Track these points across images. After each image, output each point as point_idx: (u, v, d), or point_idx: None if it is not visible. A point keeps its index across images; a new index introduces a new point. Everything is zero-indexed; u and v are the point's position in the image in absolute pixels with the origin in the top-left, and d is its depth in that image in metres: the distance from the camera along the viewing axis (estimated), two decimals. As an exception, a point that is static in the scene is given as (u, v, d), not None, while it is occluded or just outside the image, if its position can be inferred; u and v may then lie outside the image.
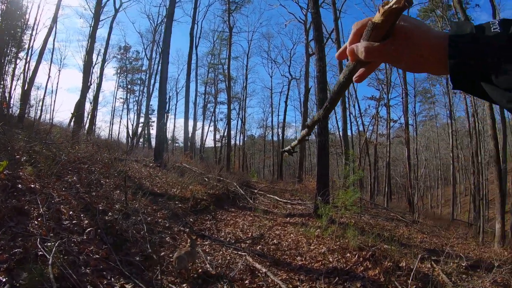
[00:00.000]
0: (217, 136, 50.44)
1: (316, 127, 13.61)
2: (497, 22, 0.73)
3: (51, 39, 26.57)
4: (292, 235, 9.53)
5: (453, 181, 34.15)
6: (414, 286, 6.72)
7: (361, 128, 34.94)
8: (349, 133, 34.98)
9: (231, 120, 40.65)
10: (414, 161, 38.63)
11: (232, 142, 46.55)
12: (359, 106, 34.24)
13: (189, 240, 6.04)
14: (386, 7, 0.74)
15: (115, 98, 51.55)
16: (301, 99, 42.08)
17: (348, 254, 7.92)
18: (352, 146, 33.00)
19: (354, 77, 0.99)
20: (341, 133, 26.69)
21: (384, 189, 32.20)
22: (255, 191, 16.73)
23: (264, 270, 6.36)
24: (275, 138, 53.38)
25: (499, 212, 13.55)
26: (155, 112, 33.69)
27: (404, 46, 0.79)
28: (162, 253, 6.34)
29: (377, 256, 7.73)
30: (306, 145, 38.28)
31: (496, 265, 8.51)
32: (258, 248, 7.98)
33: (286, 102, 41.63)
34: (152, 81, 38.51)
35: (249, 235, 9.05)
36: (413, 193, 28.52)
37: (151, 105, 43.20)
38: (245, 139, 55.12)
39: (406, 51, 0.79)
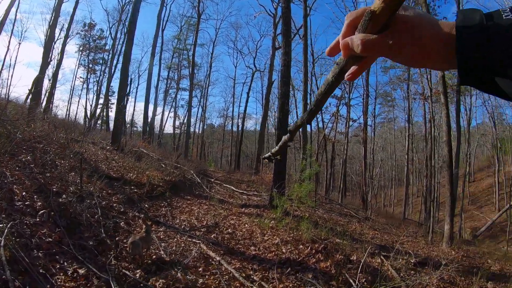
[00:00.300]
0: (177, 123, 49.94)
1: (275, 119, 13.76)
2: (508, 9, 0.67)
3: (13, 9, 25.82)
4: (246, 225, 9.61)
5: (407, 182, 35.07)
6: (364, 279, 6.91)
7: (320, 125, 35.40)
8: (308, 128, 35.34)
9: (192, 108, 40.36)
10: (370, 161, 39.45)
11: (192, 129, 46.40)
12: (319, 103, 34.50)
13: (144, 226, 6.03)
14: None
15: (75, 76, 49.39)
16: (263, 91, 42.33)
17: (301, 246, 8.06)
18: (310, 142, 33.27)
19: (346, 75, 0.93)
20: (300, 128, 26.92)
21: (339, 185, 32.70)
22: (212, 180, 16.74)
23: (218, 258, 6.42)
24: (234, 129, 53.22)
25: (448, 214, 14.00)
26: (115, 94, 32.83)
27: (405, 38, 0.73)
28: (116, 238, 6.30)
29: (329, 249, 7.91)
30: (265, 138, 38.37)
31: (444, 263, 8.86)
32: (212, 236, 8.03)
33: (248, 93, 41.63)
34: (115, 61, 37.12)
35: (204, 223, 9.07)
36: (367, 191, 29.07)
37: (112, 86, 42.05)
38: (205, 127, 55.08)
39: (407, 43, 0.73)
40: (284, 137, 2.45)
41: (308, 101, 29.07)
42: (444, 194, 15.46)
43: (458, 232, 25.68)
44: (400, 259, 9.26)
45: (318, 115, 33.55)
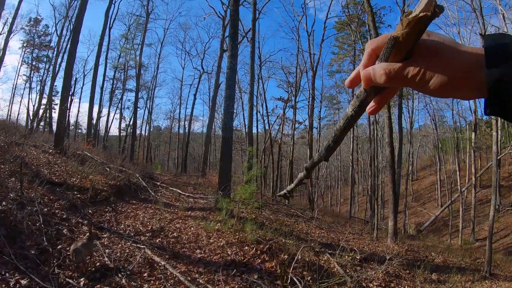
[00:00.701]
0: (123, 125, 48.21)
1: (220, 122, 13.84)
2: None
3: None
4: (192, 228, 9.59)
5: (352, 182, 35.85)
6: (309, 277, 7.08)
7: (267, 127, 35.66)
8: (255, 130, 35.50)
9: (138, 109, 39.55)
10: (316, 162, 39.98)
11: (138, 132, 45.24)
12: (266, 106, 34.81)
13: (88, 234, 5.96)
14: (411, 16, 0.64)
15: (18, 74, 47.76)
16: (210, 93, 41.82)
17: (246, 247, 8.16)
18: (257, 144, 33.50)
19: (368, 108, 0.87)
20: (246, 130, 26.99)
21: (286, 186, 33.02)
22: (158, 183, 16.50)
23: (163, 263, 6.42)
24: (181, 131, 52.19)
25: (392, 211, 14.50)
26: (59, 94, 31.92)
27: (431, 65, 0.68)
28: (59, 246, 6.17)
29: (274, 249, 8.03)
30: (212, 140, 38.27)
31: (388, 258, 9.24)
32: (157, 241, 7.99)
33: (195, 95, 41.52)
34: (59, 60, 34.89)
35: (149, 228, 8.99)
36: (314, 192, 29.49)
37: (56, 86, 39.18)
38: (151, 129, 54.12)
39: (434, 71, 0.67)
40: (300, 174, 2.37)
41: (254, 103, 29.26)
42: (388, 192, 15.95)
43: (403, 227, 26.56)
44: (346, 256, 9.53)
45: (264, 117, 33.76)
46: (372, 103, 0.84)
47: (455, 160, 37.66)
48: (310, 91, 32.43)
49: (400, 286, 8.45)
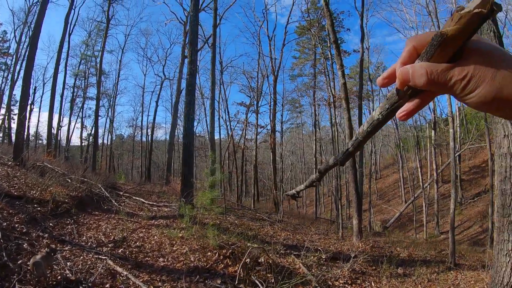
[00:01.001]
0: (84, 134, 47.47)
1: (181, 128, 13.84)
2: None
3: None
4: (156, 237, 9.54)
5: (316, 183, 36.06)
6: (273, 279, 7.16)
7: (230, 132, 35.76)
8: (218, 136, 35.46)
9: (100, 118, 38.73)
10: (280, 165, 40.30)
11: (100, 141, 44.56)
12: (228, 111, 34.84)
13: (46, 248, 5.91)
14: (464, 11, 0.57)
15: None
16: (172, 100, 41.35)
17: (209, 253, 8.20)
18: (220, 149, 33.50)
19: (399, 112, 0.79)
20: (208, 136, 26.94)
21: (252, 191, 33.12)
22: (121, 193, 16.33)
23: (125, 273, 6.39)
24: (144, 139, 51.59)
25: (356, 210, 14.78)
26: (18, 103, 30.85)
27: (479, 73, 0.60)
28: (20, 261, 6.06)
29: (237, 253, 8.09)
30: (176, 147, 38.00)
31: (353, 255, 9.41)
32: (120, 251, 7.93)
33: (157, 102, 41.19)
34: (18, 67, 34.30)
35: (112, 239, 8.92)
36: (278, 195, 29.69)
37: (14, 95, 38.96)
38: (114, 138, 53.39)
39: (480, 81, 0.60)
40: (312, 176, 2.35)
41: (216, 108, 29.27)
42: (352, 192, 16.23)
43: (369, 225, 26.96)
44: (312, 256, 9.65)
45: (227, 123, 33.75)
46: (404, 107, 0.77)
47: (416, 158, 38.60)
48: (272, 96, 32.72)
49: (366, 282, 8.61)
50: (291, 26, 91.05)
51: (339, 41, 34.57)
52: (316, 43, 30.78)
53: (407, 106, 0.76)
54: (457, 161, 33.66)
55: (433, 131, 27.39)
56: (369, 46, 34.20)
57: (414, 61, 0.69)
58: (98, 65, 36.99)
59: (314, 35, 30.67)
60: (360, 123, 22.78)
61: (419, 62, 0.67)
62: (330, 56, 26.06)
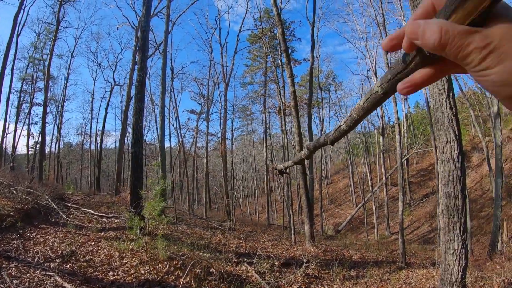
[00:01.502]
0: (31, 142, 44.57)
1: (130, 137, 13.61)
2: None
3: None
4: (105, 250, 9.31)
5: (268, 190, 36.36)
6: (225, 288, 7.14)
7: (180, 140, 35.50)
8: (168, 144, 35.07)
9: (47, 124, 37.00)
10: (232, 173, 40.30)
11: (47, 149, 42.89)
12: (178, 119, 34.58)
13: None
14: None
15: None
16: (122, 107, 40.54)
17: (160, 265, 8.10)
18: (171, 158, 33.16)
19: (401, 84, 0.67)
20: (158, 144, 26.60)
21: (204, 199, 32.96)
22: (69, 204, 15.90)
23: (73, 289, 6.24)
24: (93, 147, 49.72)
25: (307, 216, 14.92)
26: None
27: (508, 44, 0.49)
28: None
29: (188, 264, 8.01)
30: (126, 156, 37.33)
31: (306, 260, 9.49)
32: (68, 266, 7.71)
33: (106, 108, 39.50)
34: None
35: (59, 253, 8.66)
36: (229, 202, 29.67)
37: None
38: (62, 146, 51.70)
39: (505, 54, 0.49)
40: (301, 153, 2.21)
41: (167, 116, 28.96)
42: (302, 197, 16.40)
43: (321, 229, 27.29)
44: (264, 263, 9.66)
45: (177, 130, 33.44)
46: (409, 78, 0.66)
47: (366, 163, 39.47)
48: (223, 103, 32.70)
49: (320, 286, 8.70)
50: (243, 34, 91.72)
51: (290, 50, 34.97)
52: (268, 52, 30.97)
53: (413, 77, 0.65)
54: (405, 165, 34.72)
55: (381, 137, 28.07)
56: (319, 55, 34.81)
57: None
58: (46, 69, 34.76)
59: (266, 44, 30.89)
60: (310, 130, 23.08)
61: (435, 19, 0.55)
62: (281, 64, 26.31)
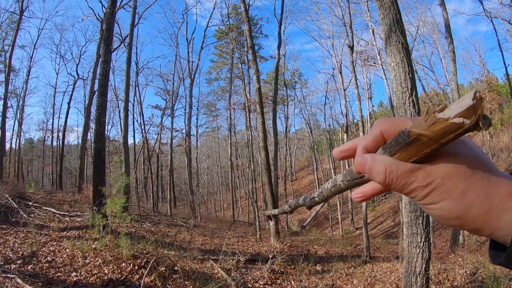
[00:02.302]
0: None
1: (93, 132, 13.35)
2: None
3: None
4: (67, 250, 9.10)
5: (233, 186, 36.40)
6: (191, 286, 7.09)
7: (144, 136, 35.14)
8: (132, 140, 34.60)
9: (7, 119, 35.75)
10: (196, 169, 40.15)
11: (8, 145, 41.64)
12: (142, 114, 34.11)
13: None
14: (442, 116, 0.46)
15: None
16: (85, 101, 39.30)
17: (123, 264, 7.99)
18: (134, 154, 32.76)
19: (355, 193, 0.72)
20: (121, 140, 26.21)
21: (168, 196, 32.74)
22: (30, 203, 15.53)
23: (35, 291, 6.09)
24: (55, 143, 47.95)
25: (271, 211, 15.03)
26: None
27: (446, 184, 0.53)
28: None
29: (152, 262, 7.93)
30: (89, 152, 36.60)
31: (271, 256, 9.53)
32: (29, 267, 7.52)
33: (69, 103, 38.03)
34: None
35: (20, 254, 8.45)
36: (194, 199, 29.58)
37: None
38: (22, 142, 50.27)
39: (446, 193, 0.53)
40: (285, 207, 2.30)
41: (131, 111, 28.58)
42: (267, 194, 16.49)
43: (286, 225, 27.54)
44: (230, 260, 9.68)
45: (142, 126, 32.97)
46: (361, 189, 0.71)
47: (330, 159, 39.89)
48: (188, 99, 32.53)
49: (286, 281, 8.77)
50: (210, 30, 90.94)
51: (256, 47, 35.03)
52: (234, 48, 30.94)
53: (364, 188, 0.70)
54: (369, 162, 35.28)
55: (345, 134, 28.38)
56: (285, 53, 34.89)
57: (379, 148, 0.61)
58: (7, 60, 33.38)
59: (232, 40, 30.82)
60: (274, 126, 23.23)
61: (382, 152, 0.59)
62: (247, 61, 26.29)
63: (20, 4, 31.31)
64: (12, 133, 44.64)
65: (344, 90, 27.52)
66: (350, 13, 21.31)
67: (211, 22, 49.70)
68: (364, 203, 14.24)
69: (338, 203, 30.13)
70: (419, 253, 6.03)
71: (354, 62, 19.98)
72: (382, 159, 0.57)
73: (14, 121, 43.45)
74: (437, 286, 8.13)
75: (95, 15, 31.84)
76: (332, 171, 36.72)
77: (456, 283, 8.27)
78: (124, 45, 29.06)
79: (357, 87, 17.33)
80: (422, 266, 6.00)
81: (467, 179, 0.52)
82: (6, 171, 33.20)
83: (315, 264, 10.83)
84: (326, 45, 35.85)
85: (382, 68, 24.81)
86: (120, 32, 30.23)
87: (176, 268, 8.03)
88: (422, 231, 6.04)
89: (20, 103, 42.50)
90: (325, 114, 42.64)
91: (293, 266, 10.13)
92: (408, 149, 0.53)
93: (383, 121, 0.62)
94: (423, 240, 6.04)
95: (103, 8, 29.84)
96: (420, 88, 31.06)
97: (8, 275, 6.77)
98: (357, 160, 0.62)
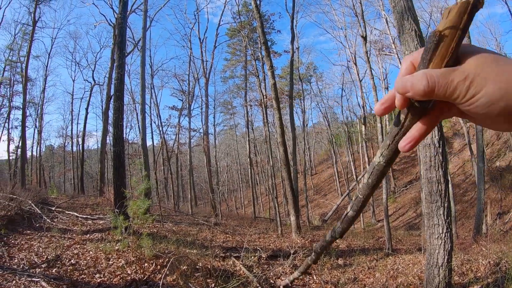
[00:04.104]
0: (12, 147, 42.95)
1: (111, 136, 13.44)
2: None
3: None
4: (91, 252, 9.22)
5: (252, 183, 36.36)
6: (213, 283, 7.12)
7: (162, 137, 35.30)
8: (150, 142, 34.78)
9: (27, 128, 36.20)
10: (216, 168, 40.26)
11: (29, 153, 42.04)
12: (160, 116, 34.21)
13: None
14: (452, 5, 0.56)
15: None
16: (103, 106, 39.63)
17: (146, 264, 8.06)
18: (154, 155, 32.94)
19: (402, 142, 0.72)
20: (140, 142, 26.31)
21: (189, 195, 32.86)
22: (53, 208, 15.70)
23: (60, 293, 6.17)
24: (75, 149, 48.53)
25: (292, 207, 15.03)
26: None
27: (483, 69, 0.57)
28: None
29: (174, 261, 7.98)
30: (108, 155, 36.92)
31: (292, 251, 9.51)
32: (54, 271, 7.63)
33: (87, 109, 38.26)
34: None
35: (44, 258, 8.56)
36: (214, 197, 29.65)
37: None
38: (43, 149, 50.74)
39: (485, 76, 0.57)
40: (307, 260, 2.14)
41: (148, 113, 28.70)
42: (286, 189, 16.47)
43: (308, 220, 27.43)
44: (252, 256, 9.68)
45: (160, 128, 33.06)
46: (407, 135, 0.71)
47: (349, 152, 39.68)
48: (204, 98, 32.55)
49: (309, 276, 8.71)
50: (222, 28, 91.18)
51: (269, 43, 34.91)
52: (247, 45, 30.82)
53: (410, 133, 0.71)
54: (388, 153, 34.95)
55: (363, 126, 28.17)
56: (298, 47, 34.58)
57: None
58: (23, 71, 33.89)
59: (245, 37, 30.72)
60: (292, 121, 23.15)
61: (419, 70, 0.63)
62: (261, 57, 26.21)
63: (32, 16, 31.64)
64: (33, 141, 45.02)
65: (360, 81, 27.30)
66: (361, 3, 21.08)
67: (222, 20, 49.99)
68: (384, 195, 14.12)
69: (358, 196, 29.94)
70: (440, 244, 5.96)
71: (368, 52, 19.80)
72: (420, 71, 0.62)
73: (34, 130, 43.77)
74: (461, 277, 8.03)
75: (107, 21, 31.99)
76: (352, 163, 36.50)
77: (479, 274, 8.17)
78: (138, 49, 29.26)
79: (372, 78, 17.15)
80: (444, 258, 5.93)
81: (495, 63, 0.57)
82: (29, 178, 33.59)
83: (337, 258, 10.79)
84: (339, 36, 35.63)
85: (398, 57, 24.61)
86: (133, 36, 30.53)
87: (198, 266, 8.08)
88: (444, 222, 5.97)
89: (39, 111, 42.84)
90: (342, 107, 42.61)
91: (315, 261, 10.13)
92: (437, 51, 0.59)
93: (411, 54, 0.68)
94: (444, 231, 5.96)
95: (115, 13, 30.09)
96: (437, 74, 30.58)
97: (33, 279, 6.87)
98: (398, 84, 0.64)
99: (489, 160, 29.83)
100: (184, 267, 7.64)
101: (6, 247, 9.16)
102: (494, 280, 7.31)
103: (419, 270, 8.89)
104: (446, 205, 6.00)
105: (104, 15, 32.94)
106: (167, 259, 8.07)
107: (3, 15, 35.84)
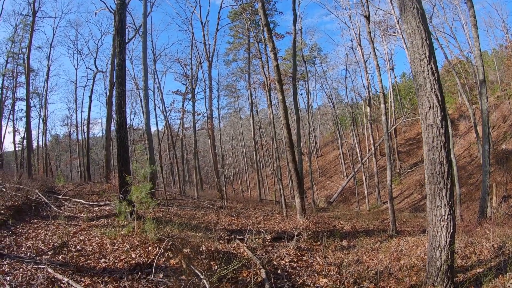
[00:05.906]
0: (18, 138, 44.12)
1: (113, 122, 13.45)
2: None
3: None
4: (97, 238, 9.31)
5: (257, 166, 36.46)
6: (216, 266, 7.18)
7: (167, 122, 35.28)
8: (155, 127, 34.76)
9: (32, 118, 36.49)
10: (221, 151, 40.33)
11: (35, 143, 42.33)
12: (163, 101, 34.17)
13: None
14: None
15: None
16: (106, 93, 39.53)
17: (150, 248, 8.12)
18: (159, 140, 33.01)
19: None
20: (144, 128, 26.33)
21: (195, 179, 32.99)
22: (60, 196, 15.78)
23: (66, 279, 6.23)
24: (80, 137, 48.85)
25: (297, 189, 15.15)
26: None
27: None
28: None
29: (177, 244, 8.04)
30: (113, 142, 37.01)
31: (297, 233, 9.56)
32: (60, 257, 7.71)
33: (90, 97, 38.35)
34: None
35: (51, 246, 8.64)
36: (219, 181, 29.76)
37: None
38: (49, 139, 50.94)
39: None
40: None
41: (152, 99, 28.67)
42: (291, 171, 16.50)
43: (313, 202, 27.52)
44: (256, 238, 9.74)
45: (164, 113, 32.99)
46: None
47: (354, 134, 39.63)
48: (207, 82, 32.54)
49: (312, 258, 8.74)
50: (224, 11, 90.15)
51: (271, 24, 34.69)
52: (250, 27, 30.63)
53: None
54: (393, 135, 34.90)
55: (368, 108, 28.12)
56: (301, 28, 34.34)
57: None
58: (26, 62, 33.57)
59: (247, 19, 30.51)
60: (295, 103, 23.19)
61: None
62: (263, 39, 26.03)
63: (32, 6, 31.33)
64: (38, 131, 45.53)
65: (365, 62, 27.18)
66: (365, -20, 20.93)
67: (224, 2, 49.32)
68: (388, 177, 14.09)
69: (364, 178, 29.91)
70: (443, 226, 5.97)
71: (373, 33, 19.69)
72: None
73: (39, 120, 44.14)
74: (464, 260, 8.04)
75: (107, 7, 31.56)
76: (357, 145, 36.56)
77: (482, 257, 8.17)
78: (139, 35, 29.10)
79: (376, 58, 17.00)
80: (446, 240, 5.94)
81: None
82: (35, 168, 33.69)
83: (341, 240, 10.83)
84: (343, 17, 35.42)
85: (402, 37, 24.41)
86: (134, 22, 30.39)
87: (201, 249, 8.14)
88: (446, 204, 5.96)
89: (43, 101, 43.11)
90: (346, 88, 42.29)
91: (319, 243, 10.13)
92: None
93: None
94: (447, 213, 5.96)
95: (115, 0, 30.03)
96: (442, 56, 30.42)
97: (40, 266, 6.94)
98: None
99: (495, 143, 29.75)
100: (187, 250, 7.70)
101: (14, 237, 9.24)
102: (497, 264, 7.32)
103: (423, 252, 8.91)
104: (448, 186, 5.99)
105: (104, 2, 32.48)
106: (171, 242, 8.15)
107: (3, 7, 35.46)
